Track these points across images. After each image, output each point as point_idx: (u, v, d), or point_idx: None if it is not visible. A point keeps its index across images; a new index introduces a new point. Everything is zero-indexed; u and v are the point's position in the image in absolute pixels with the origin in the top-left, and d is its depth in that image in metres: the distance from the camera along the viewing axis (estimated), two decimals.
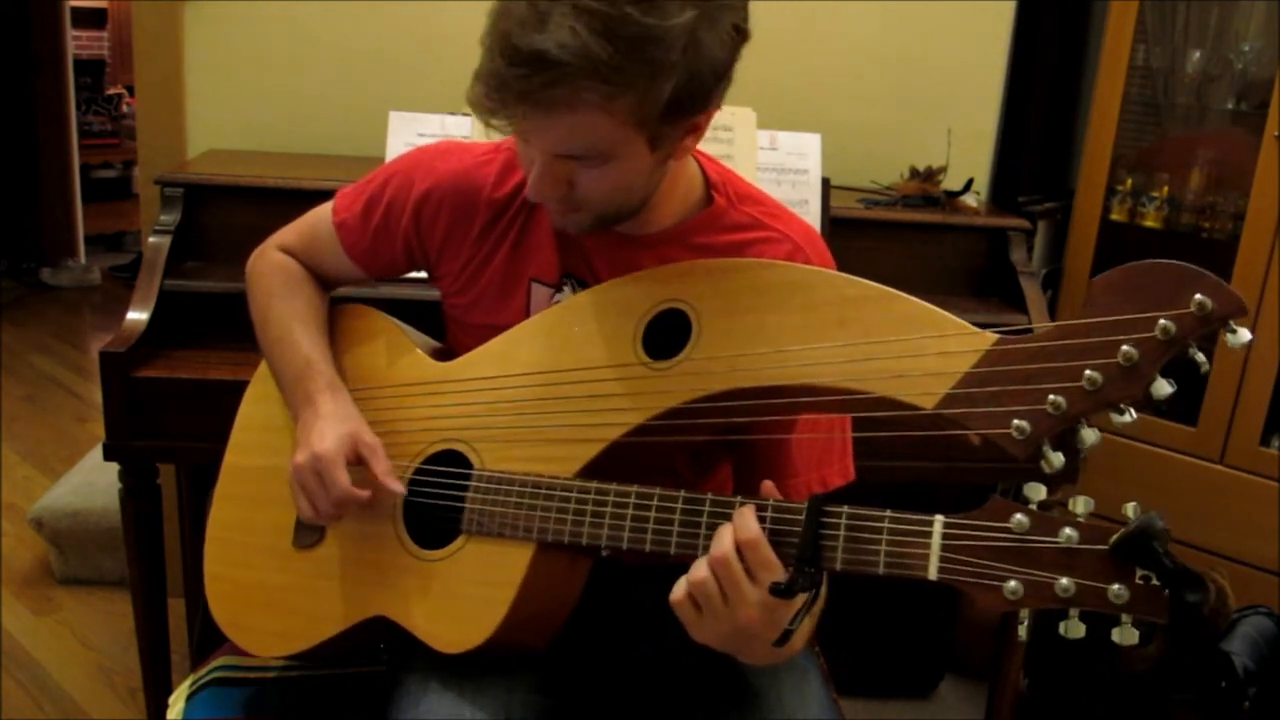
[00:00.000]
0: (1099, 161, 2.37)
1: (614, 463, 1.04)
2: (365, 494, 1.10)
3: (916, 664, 2.34)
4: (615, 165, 0.98)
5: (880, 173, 2.19)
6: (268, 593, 1.21)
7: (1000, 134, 2.44)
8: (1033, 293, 1.94)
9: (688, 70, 0.92)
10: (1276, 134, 2.12)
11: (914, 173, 2.11)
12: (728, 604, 0.91)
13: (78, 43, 6.08)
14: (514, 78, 0.89)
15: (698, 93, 0.95)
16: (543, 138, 0.96)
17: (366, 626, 1.15)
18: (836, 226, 1.88)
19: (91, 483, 2.70)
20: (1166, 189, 2.39)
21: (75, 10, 5.63)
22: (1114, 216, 2.41)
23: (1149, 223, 2.40)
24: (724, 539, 0.92)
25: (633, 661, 1.22)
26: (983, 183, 2.37)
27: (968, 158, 2.29)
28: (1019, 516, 0.84)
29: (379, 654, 1.28)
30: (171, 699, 1.30)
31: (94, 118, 6.27)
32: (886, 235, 1.98)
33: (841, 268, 1.13)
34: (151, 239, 1.77)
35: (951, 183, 2.11)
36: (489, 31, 0.92)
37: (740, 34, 0.97)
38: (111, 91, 6.58)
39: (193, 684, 1.30)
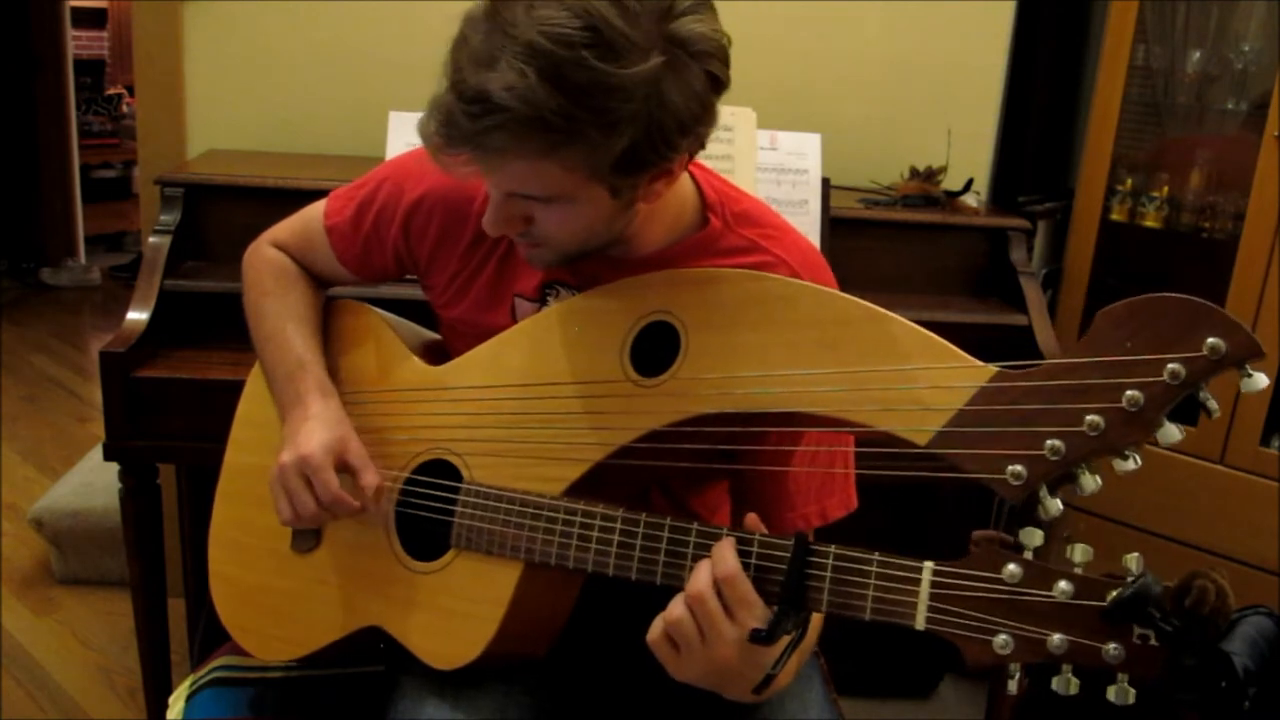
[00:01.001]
0: (1099, 161, 2.37)
1: (604, 478, 1.03)
2: (358, 504, 1.09)
3: (916, 664, 2.34)
4: (573, 208, 0.94)
5: (880, 173, 2.19)
6: (269, 597, 1.21)
7: (1000, 134, 2.43)
8: (1032, 293, 1.94)
9: (646, 122, 0.87)
10: (1276, 134, 2.11)
11: (914, 173, 2.11)
12: (705, 642, 0.89)
13: (78, 43, 6.07)
14: (461, 115, 0.85)
15: (659, 145, 0.89)
16: (492, 174, 0.93)
17: (364, 634, 1.15)
18: (836, 226, 1.88)
19: (91, 483, 2.70)
20: (1166, 189, 2.39)
21: (75, 10, 5.63)
22: (1114, 216, 2.41)
23: (1149, 223, 2.40)
24: (701, 575, 0.89)
25: (632, 663, 1.22)
26: (983, 183, 2.37)
27: (968, 158, 2.29)
28: (1012, 567, 0.79)
29: (378, 654, 1.28)
30: (171, 699, 1.30)
31: (94, 118, 6.27)
32: (886, 235, 1.98)
33: (841, 267, 1.12)
34: (151, 239, 1.77)
35: (951, 183, 2.11)
36: (447, 59, 0.89)
37: (716, 82, 0.91)
38: (111, 91, 6.58)
39: (193, 684, 1.30)
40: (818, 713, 1.13)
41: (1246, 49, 2.32)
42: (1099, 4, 2.53)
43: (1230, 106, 2.37)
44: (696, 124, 0.92)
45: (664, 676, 1.20)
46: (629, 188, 0.94)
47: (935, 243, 2.01)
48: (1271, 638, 2.02)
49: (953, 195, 2.09)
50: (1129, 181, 2.41)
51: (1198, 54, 2.37)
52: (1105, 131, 2.35)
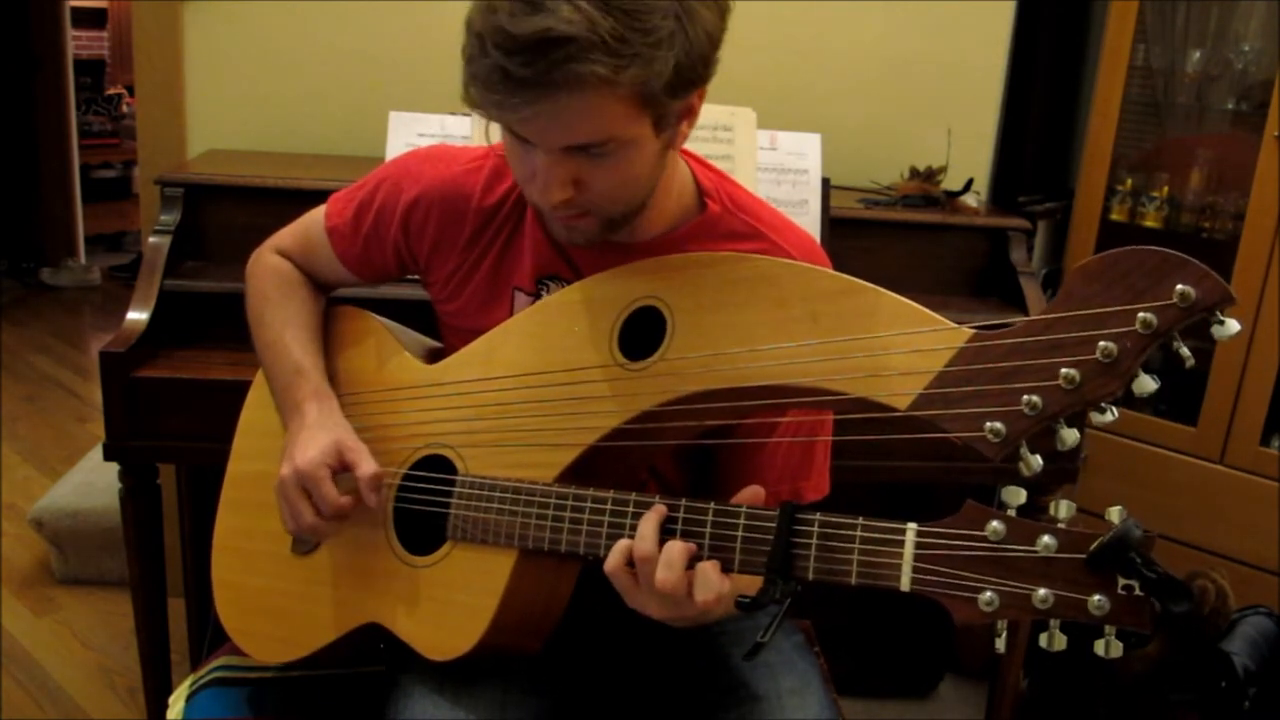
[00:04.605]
0: (1099, 161, 2.37)
1: (596, 463, 1.04)
2: (350, 501, 1.10)
3: (916, 664, 2.34)
4: (623, 154, 0.96)
5: (880, 173, 2.19)
6: (270, 599, 1.22)
7: (1000, 134, 2.43)
8: (1032, 293, 1.94)
9: (684, 39, 0.91)
10: (1276, 134, 2.12)
11: (914, 173, 2.11)
12: (630, 598, 0.97)
13: (78, 43, 6.08)
14: (517, 66, 0.87)
15: (697, 62, 0.94)
16: (550, 128, 0.93)
17: (363, 632, 1.15)
18: (836, 226, 1.88)
19: (91, 483, 2.70)
20: (1166, 189, 2.39)
21: (75, 10, 5.63)
22: (1114, 216, 2.41)
23: (1149, 223, 2.40)
24: (615, 556, 0.95)
25: (630, 662, 1.22)
26: (983, 183, 2.37)
27: (968, 158, 2.29)
28: (995, 524, 0.80)
29: (378, 654, 1.28)
30: (171, 699, 1.30)
31: (94, 118, 6.27)
32: (886, 235, 1.98)
33: (841, 267, 1.12)
34: (151, 239, 1.76)
35: (951, 183, 2.11)
36: (471, 36, 0.91)
37: (723, 3, 0.97)
38: (111, 91, 6.59)
39: (193, 684, 1.30)
40: (817, 712, 1.13)
41: (1246, 49, 2.32)
42: (1099, 4, 2.53)
43: (1230, 106, 2.38)
44: (719, 42, 0.96)
45: (662, 676, 1.20)
46: (669, 119, 0.97)
47: (935, 243, 2.01)
48: (1271, 638, 2.02)
49: (953, 195, 2.08)
50: (1129, 181, 2.41)
51: (1198, 54, 2.37)
52: (1105, 131, 2.35)
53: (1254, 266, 2.17)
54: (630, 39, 0.88)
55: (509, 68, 0.88)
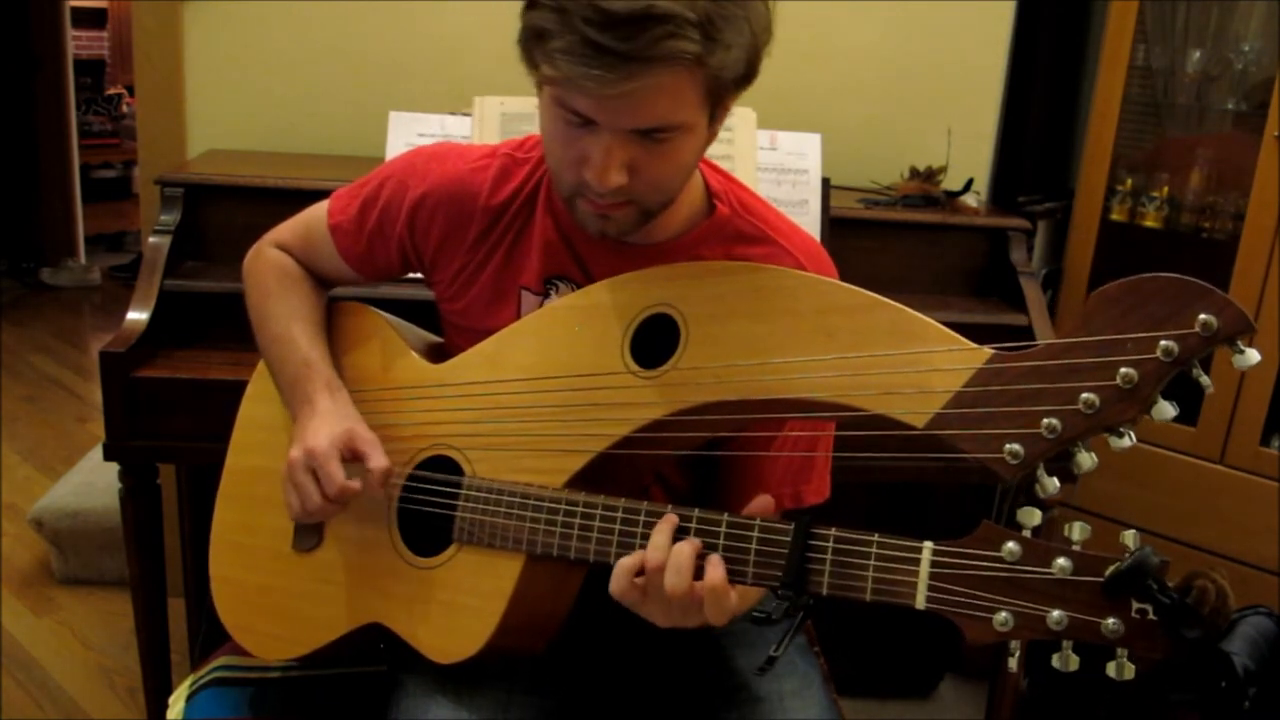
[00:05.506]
0: (1099, 161, 2.37)
1: (604, 469, 1.03)
2: (358, 484, 1.09)
3: (916, 664, 2.34)
4: (680, 142, 0.97)
5: (880, 173, 2.19)
6: (270, 596, 1.21)
7: (1000, 134, 2.43)
8: (1032, 293, 1.94)
9: (752, 33, 0.95)
10: (1276, 134, 2.12)
11: (914, 173, 2.11)
12: (636, 606, 0.97)
13: (78, 43, 6.08)
14: (613, 40, 0.87)
15: (755, 60, 0.97)
16: (630, 106, 0.93)
17: (365, 631, 1.15)
18: (836, 226, 1.88)
19: (91, 483, 2.70)
20: (1166, 189, 2.39)
21: (75, 10, 5.63)
22: (1114, 216, 2.41)
23: (1149, 223, 2.40)
24: (623, 574, 0.95)
25: (633, 663, 1.22)
26: (983, 183, 2.37)
27: (968, 158, 2.29)
28: (1010, 545, 0.80)
29: (380, 654, 1.28)
30: (171, 699, 1.30)
31: (94, 118, 6.27)
32: (886, 235, 1.98)
33: (841, 267, 1.12)
34: (151, 239, 1.77)
35: (951, 183, 2.11)
36: (546, 12, 0.90)
37: (772, 5, 0.99)
38: (111, 91, 6.59)
39: (193, 684, 1.30)
40: (818, 712, 1.13)
41: (1246, 49, 2.32)
42: (1099, 4, 2.53)
43: (1230, 106, 2.37)
44: (768, 42, 0.98)
45: (664, 677, 1.20)
46: (720, 115, 1.01)
47: (935, 243, 2.01)
48: (1271, 638, 2.02)
49: (953, 195, 2.09)
50: (1129, 181, 2.41)
51: (1198, 54, 2.37)
52: (1105, 131, 2.35)
53: (1254, 266, 2.17)
54: (718, 24, 0.91)
55: (603, 42, 0.88)
